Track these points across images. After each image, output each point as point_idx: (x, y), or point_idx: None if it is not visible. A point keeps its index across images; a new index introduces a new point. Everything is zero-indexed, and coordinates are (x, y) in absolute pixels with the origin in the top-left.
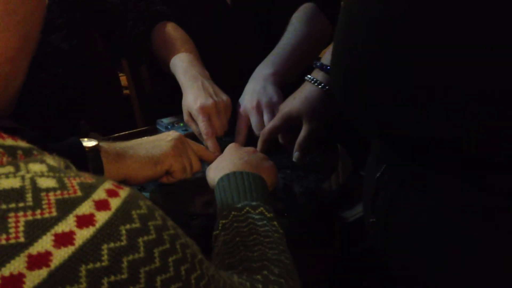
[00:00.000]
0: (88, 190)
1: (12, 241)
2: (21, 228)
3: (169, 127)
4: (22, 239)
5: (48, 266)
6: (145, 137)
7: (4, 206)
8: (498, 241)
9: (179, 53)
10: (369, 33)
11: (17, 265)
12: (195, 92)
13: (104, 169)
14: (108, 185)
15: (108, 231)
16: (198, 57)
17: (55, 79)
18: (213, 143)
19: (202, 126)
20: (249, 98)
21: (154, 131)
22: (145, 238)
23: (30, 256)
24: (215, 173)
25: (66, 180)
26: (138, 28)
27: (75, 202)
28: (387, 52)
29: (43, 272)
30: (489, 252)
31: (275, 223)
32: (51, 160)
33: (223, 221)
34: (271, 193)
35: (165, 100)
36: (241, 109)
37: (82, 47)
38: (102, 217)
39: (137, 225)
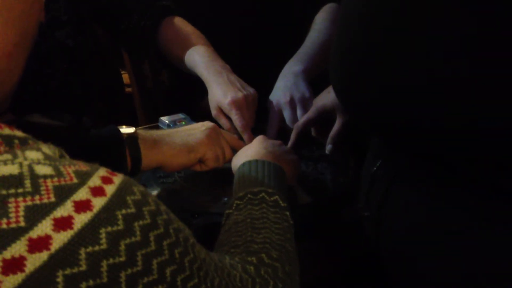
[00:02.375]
0: (83, 177)
1: (13, 225)
2: (21, 213)
3: (171, 125)
4: (22, 223)
5: (48, 249)
6: (182, 126)
7: (4, 192)
8: (491, 236)
9: (196, 48)
10: (362, 31)
11: (18, 248)
12: (223, 87)
13: (141, 155)
14: (102, 172)
15: (105, 216)
16: (215, 51)
17: (60, 75)
18: (249, 135)
19: (236, 119)
20: (281, 93)
21: (155, 129)
22: (141, 222)
23: (30, 240)
24: (239, 159)
25: (62, 168)
26: (144, 22)
27: (72, 189)
28: (380, 49)
29: (43, 255)
30: (481, 246)
31: (287, 213)
32: (47, 149)
33: (238, 202)
34: (300, 186)
35: (167, 98)
36: (274, 104)
37: (86, 44)
38: (98, 202)
39: (132, 210)
